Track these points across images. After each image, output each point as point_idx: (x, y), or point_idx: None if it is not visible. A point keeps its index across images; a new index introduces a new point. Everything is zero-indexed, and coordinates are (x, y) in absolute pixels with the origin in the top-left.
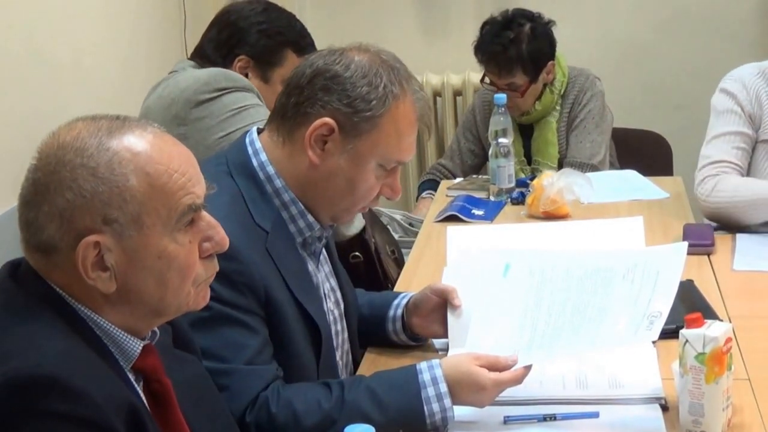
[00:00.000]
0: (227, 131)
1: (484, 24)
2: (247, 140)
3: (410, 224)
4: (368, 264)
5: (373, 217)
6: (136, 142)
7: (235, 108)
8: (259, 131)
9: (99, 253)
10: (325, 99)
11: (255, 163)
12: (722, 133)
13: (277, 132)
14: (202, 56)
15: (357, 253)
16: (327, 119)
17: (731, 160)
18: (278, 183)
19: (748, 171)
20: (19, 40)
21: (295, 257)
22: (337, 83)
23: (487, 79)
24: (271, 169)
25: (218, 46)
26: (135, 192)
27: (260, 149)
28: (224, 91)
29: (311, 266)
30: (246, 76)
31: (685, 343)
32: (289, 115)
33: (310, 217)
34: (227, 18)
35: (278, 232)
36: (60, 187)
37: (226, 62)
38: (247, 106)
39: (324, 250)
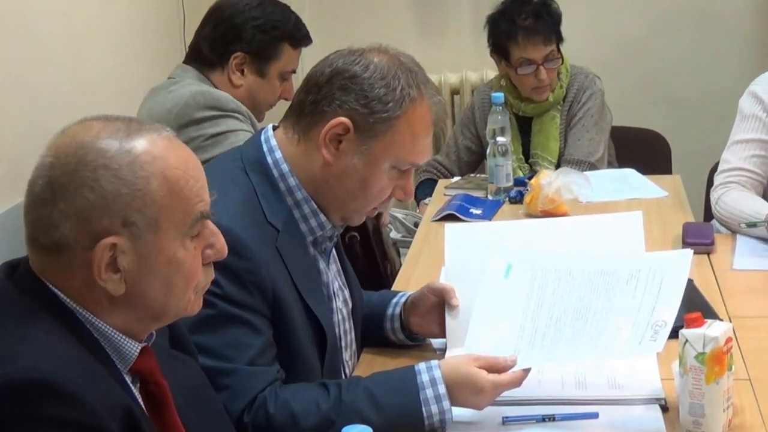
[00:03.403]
0: (205, 158)
1: (496, 16)
2: (263, 137)
3: (415, 224)
4: (365, 242)
5: None
6: (154, 145)
7: (216, 134)
8: (275, 128)
9: (113, 254)
10: (343, 98)
11: (269, 160)
12: (743, 140)
13: (292, 129)
14: (198, 56)
15: (354, 233)
16: (343, 119)
17: (748, 168)
18: (292, 181)
19: None
20: (16, 40)
21: (305, 257)
22: (355, 83)
23: (521, 67)
24: (285, 167)
25: (214, 44)
26: (155, 196)
27: (275, 147)
28: (206, 117)
29: (322, 264)
30: (242, 72)
31: (685, 343)
32: (305, 112)
33: (322, 217)
34: (221, 14)
35: (289, 231)
36: (81, 187)
37: (222, 60)
38: (227, 133)
39: (333, 248)
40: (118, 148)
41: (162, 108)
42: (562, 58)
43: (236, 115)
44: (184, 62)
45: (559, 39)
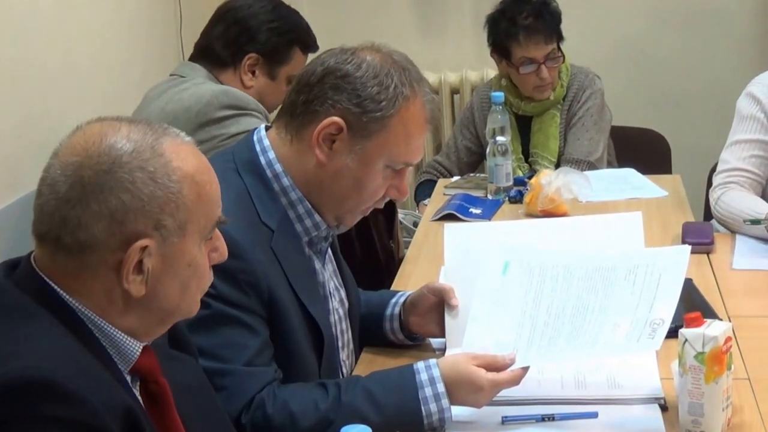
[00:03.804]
0: None
1: (495, 17)
2: (255, 137)
3: (414, 224)
4: (363, 228)
5: None
6: (181, 150)
7: (237, 133)
8: (267, 128)
9: (140, 256)
10: (335, 98)
11: (263, 160)
12: (742, 140)
13: (285, 129)
14: (208, 54)
15: None
16: (336, 118)
17: (746, 168)
18: (285, 181)
19: None
20: (9, 40)
21: (300, 257)
22: (347, 82)
23: (522, 66)
24: (278, 167)
25: (227, 43)
26: (186, 200)
27: (268, 147)
28: (227, 116)
29: (317, 264)
30: (253, 73)
31: (684, 343)
32: (297, 112)
33: (317, 217)
34: (235, 15)
35: (284, 231)
36: (116, 188)
37: (235, 60)
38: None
39: (329, 248)
40: (151, 150)
41: (179, 105)
42: (563, 56)
43: (256, 113)
44: (190, 60)
45: (560, 37)
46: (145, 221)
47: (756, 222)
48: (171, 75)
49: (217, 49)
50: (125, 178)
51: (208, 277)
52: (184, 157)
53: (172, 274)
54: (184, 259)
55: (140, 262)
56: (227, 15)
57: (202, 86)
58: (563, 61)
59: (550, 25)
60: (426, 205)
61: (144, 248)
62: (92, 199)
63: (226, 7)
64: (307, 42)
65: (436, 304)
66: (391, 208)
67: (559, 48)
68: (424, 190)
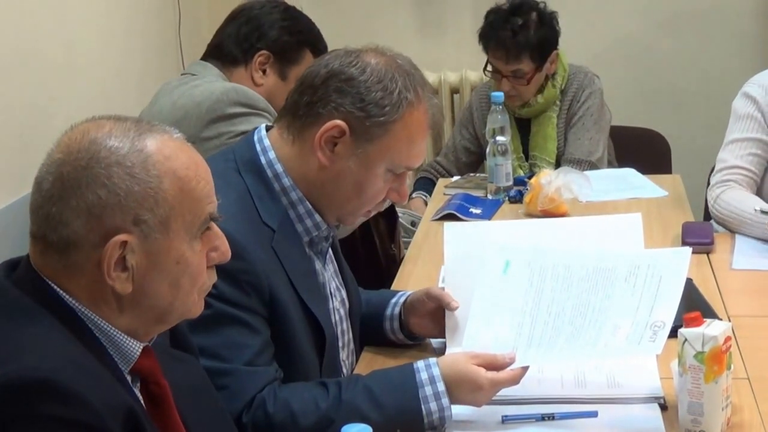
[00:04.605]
0: None
1: (489, 12)
2: (256, 137)
3: (412, 223)
4: (365, 230)
5: None
6: (165, 146)
7: (245, 131)
8: (268, 128)
9: (122, 253)
10: (339, 101)
11: (263, 160)
12: (739, 139)
13: (287, 130)
14: (220, 53)
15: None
16: (339, 122)
17: (744, 166)
18: (286, 181)
19: (764, 178)
20: (9, 37)
21: (301, 257)
22: (351, 86)
23: (489, 67)
24: (279, 167)
25: (239, 40)
26: (167, 195)
27: (269, 147)
28: (237, 113)
29: (318, 265)
30: (264, 72)
31: (684, 342)
32: (300, 113)
33: (317, 217)
34: (248, 14)
35: (285, 231)
36: (93, 184)
37: (246, 57)
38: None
39: (330, 248)
40: (130, 146)
41: (190, 101)
42: (550, 74)
43: (265, 114)
44: (202, 59)
45: (539, 61)
46: (122, 216)
47: (766, 213)
48: (182, 74)
49: (228, 47)
50: (102, 173)
51: (206, 277)
52: (168, 153)
53: (160, 272)
54: (170, 256)
55: (124, 259)
56: (240, 15)
57: (214, 83)
58: (550, 78)
59: (522, 47)
60: (413, 198)
61: (124, 243)
62: (71, 194)
63: (240, 8)
64: (318, 47)
65: (435, 309)
66: (392, 213)
67: (539, 69)
68: (416, 185)
